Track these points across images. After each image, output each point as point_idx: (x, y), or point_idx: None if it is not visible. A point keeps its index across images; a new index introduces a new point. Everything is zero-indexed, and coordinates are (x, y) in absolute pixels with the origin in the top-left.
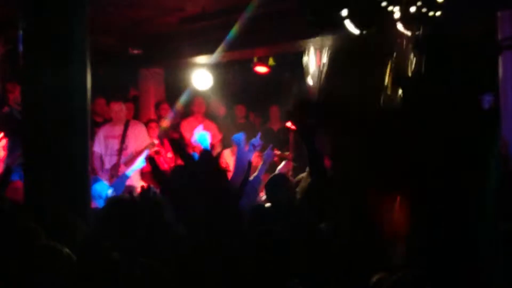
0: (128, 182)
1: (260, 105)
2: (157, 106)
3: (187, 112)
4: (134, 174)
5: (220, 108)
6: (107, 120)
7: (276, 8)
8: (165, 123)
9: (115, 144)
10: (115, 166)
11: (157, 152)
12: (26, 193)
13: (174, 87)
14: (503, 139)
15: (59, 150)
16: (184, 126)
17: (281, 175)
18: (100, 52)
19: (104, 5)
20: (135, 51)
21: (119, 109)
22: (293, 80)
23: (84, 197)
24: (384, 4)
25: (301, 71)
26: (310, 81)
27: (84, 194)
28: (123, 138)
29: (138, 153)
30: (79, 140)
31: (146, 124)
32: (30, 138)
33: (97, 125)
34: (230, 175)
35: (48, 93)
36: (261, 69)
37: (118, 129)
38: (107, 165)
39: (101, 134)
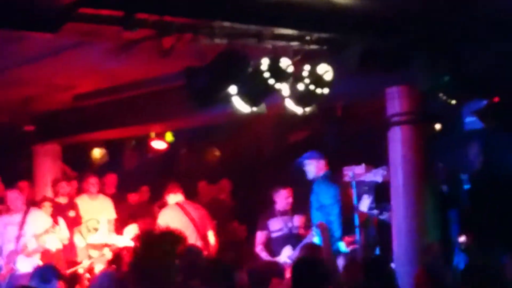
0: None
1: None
2: (54, 183)
3: (81, 190)
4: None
5: (114, 186)
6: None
7: (168, 85)
8: (62, 200)
9: (13, 231)
10: (11, 253)
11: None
12: None
13: (73, 163)
14: None
15: None
16: (81, 204)
17: None
18: None
19: None
20: (28, 128)
21: (15, 197)
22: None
23: None
24: (271, 81)
25: (198, 146)
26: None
27: None
28: (22, 225)
29: (37, 237)
30: None
31: (40, 202)
32: None
33: None
34: None
35: None
36: (158, 145)
37: (17, 216)
38: (4, 252)
39: (0, 222)
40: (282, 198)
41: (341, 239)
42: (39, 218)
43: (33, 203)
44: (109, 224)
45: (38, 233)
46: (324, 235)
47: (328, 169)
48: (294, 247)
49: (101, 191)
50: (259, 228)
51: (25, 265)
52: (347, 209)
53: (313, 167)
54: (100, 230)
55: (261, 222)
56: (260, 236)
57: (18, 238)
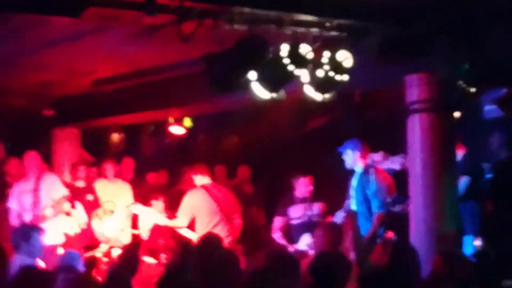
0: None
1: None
2: (73, 167)
3: (99, 174)
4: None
5: (131, 171)
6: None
7: (187, 70)
8: (80, 184)
9: (28, 199)
10: (32, 222)
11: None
12: None
13: (91, 147)
14: None
15: None
16: (99, 188)
17: None
18: (12, 114)
19: (12, 67)
20: (47, 112)
21: (31, 160)
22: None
23: None
24: (291, 68)
25: (216, 132)
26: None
27: None
28: (36, 192)
29: (55, 205)
30: None
31: None
32: None
33: (9, 187)
34: None
35: None
36: (177, 130)
37: (30, 184)
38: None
39: (15, 190)
40: (302, 186)
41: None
42: (54, 184)
43: None
44: (126, 209)
45: (55, 198)
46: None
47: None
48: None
49: (119, 176)
50: (278, 214)
51: (49, 236)
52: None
53: (350, 157)
54: (116, 213)
55: (280, 208)
56: (278, 222)
57: (35, 205)
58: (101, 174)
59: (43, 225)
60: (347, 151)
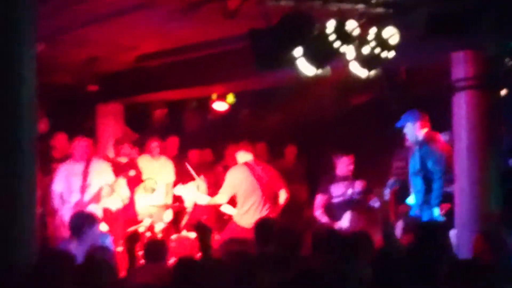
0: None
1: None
2: (116, 142)
3: (143, 151)
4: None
5: (175, 148)
6: (66, 156)
7: (232, 46)
8: (123, 160)
9: (76, 181)
10: (78, 204)
11: None
12: None
13: (135, 123)
14: None
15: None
16: (142, 164)
17: None
18: (57, 90)
19: (57, 43)
20: (92, 88)
21: (81, 145)
22: (251, 117)
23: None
24: (337, 44)
25: (259, 109)
26: None
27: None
28: (85, 175)
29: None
30: (26, 182)
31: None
32: None
33: (55, 161)
34: None
35: None
36: (220, 107)
37: (79, 167)
38: (70, 202)
39: (62, 172)
40: (344, 165)
41: (438, 205)
42: (103, 169)
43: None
44: (167, 187)
45: (104, 184)
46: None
47: (429, 130)
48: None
49: (163, 153)
50: (320, 191)
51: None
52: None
53: (411, 129)
54: (157, 190)
55: (322, 185)
56: (320, 199)
57: (83, 188)
58: (144, 151)
59: (91, 207)
60: (407, 124)
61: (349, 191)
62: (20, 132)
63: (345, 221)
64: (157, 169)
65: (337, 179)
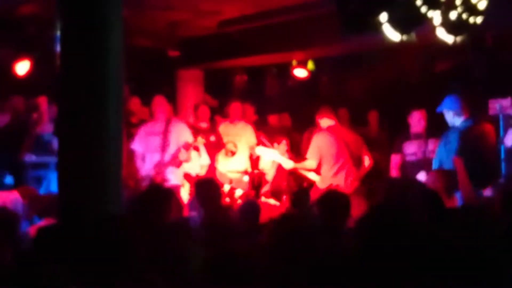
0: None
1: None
2: (196, 108)
3: (223, 116)
4: (180, 172)
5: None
6: (142, 120)
7: (315, 12)
8: (203, 125)
9: (156, 141)
10: (159, 164)
11: None
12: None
13: (214, 89)
14: None
15: (93, 152)
16: (222, 129)
17: None
18: (138, 54)
19: (140, 7)
20: (173, 53)
21: (159, 104)
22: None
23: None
24: (424, 9)
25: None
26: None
27: (117, 200)
28: (165, 134)
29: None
30: (113, 143)
31: None
32: (64, 138)
33: (132, 126)
34: None
35: (83, 93)
36: (300, 73)
37: (159, 126)
38: (149, 163)
39: (142, 131)
40: (416, 120)
41: None
42: (183, 129)
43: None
44: (249, 150)
45: (183, 143)
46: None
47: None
48: (428, 172)
49: (243, 117)
50: (394, 151)
51: (174, 177)
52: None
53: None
54: (238, 154)
55: (396, 145)
56: (394, 159)
57: (164, 148)
58: (224, 116)
59: (171, 170)
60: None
61: (422, 149)
62: (107, 96)
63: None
64: (237, 133)
65: (410, 137)
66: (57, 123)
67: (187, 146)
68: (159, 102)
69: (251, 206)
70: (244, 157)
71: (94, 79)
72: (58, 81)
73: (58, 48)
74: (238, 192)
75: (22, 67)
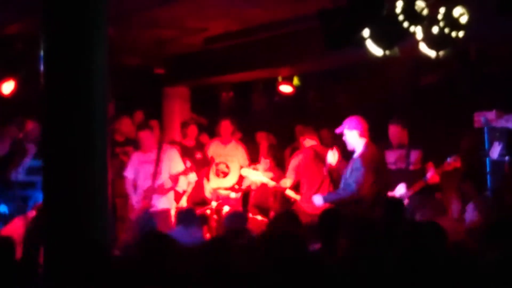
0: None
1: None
2: (183, 125)
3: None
4: (170, 195)
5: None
6: (129, 140)
7: (300, 27)
8: (189, 142)
9: (149, 168)
10: (149, 189)
11: None
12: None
13: (200, 106)
14: None
15: (78, 170)
16: (213, 149)
17: None
18: (124, 72)
19: (126, 26)
20: (159, 71)
21: (148, 136)
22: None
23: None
24: (406, 24)
25: (326, 90)
26: None
27: (103, 217)
28: (157, 163)
29: (173, 178)
30: (99, 161)
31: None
32: (49, 157)
33: (118, 145)
34: None
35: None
36: (286, 89)
37: (151, 155)
38: (141, 188)
39: (134, 160)
40: (391, 133)
41: None
42: (175, 157)
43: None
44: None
45: (175, 172)
46: None
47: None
48: (408, 184)
49: (232, 135)
50: None
51: (161, 202)
52: (474, 157)
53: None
54: (229, 175)
55: None
56: None
57: (155, 175)
58: (212, 134)
59: (159, 196)
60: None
61: (402, 160)
62: (92, 114)
63: (397, 192)
64: (228, 153)
65: (392, 146)
66: (42, 143)
67: (175, 179)
68: (146, 136)
69: (238, 214)
70: (234, 177)
71: (78, 98)
72: (42, 100)
73: (42, 67)
74: (226, 209)
75: (7, 87)
